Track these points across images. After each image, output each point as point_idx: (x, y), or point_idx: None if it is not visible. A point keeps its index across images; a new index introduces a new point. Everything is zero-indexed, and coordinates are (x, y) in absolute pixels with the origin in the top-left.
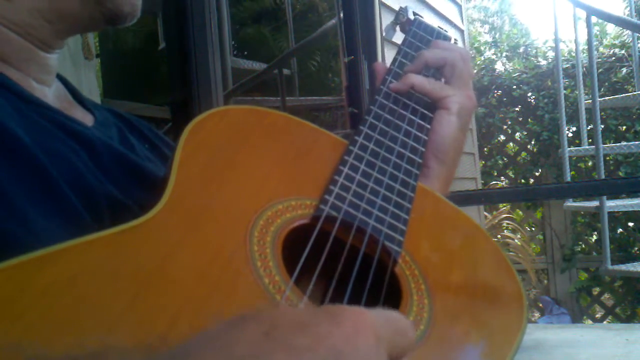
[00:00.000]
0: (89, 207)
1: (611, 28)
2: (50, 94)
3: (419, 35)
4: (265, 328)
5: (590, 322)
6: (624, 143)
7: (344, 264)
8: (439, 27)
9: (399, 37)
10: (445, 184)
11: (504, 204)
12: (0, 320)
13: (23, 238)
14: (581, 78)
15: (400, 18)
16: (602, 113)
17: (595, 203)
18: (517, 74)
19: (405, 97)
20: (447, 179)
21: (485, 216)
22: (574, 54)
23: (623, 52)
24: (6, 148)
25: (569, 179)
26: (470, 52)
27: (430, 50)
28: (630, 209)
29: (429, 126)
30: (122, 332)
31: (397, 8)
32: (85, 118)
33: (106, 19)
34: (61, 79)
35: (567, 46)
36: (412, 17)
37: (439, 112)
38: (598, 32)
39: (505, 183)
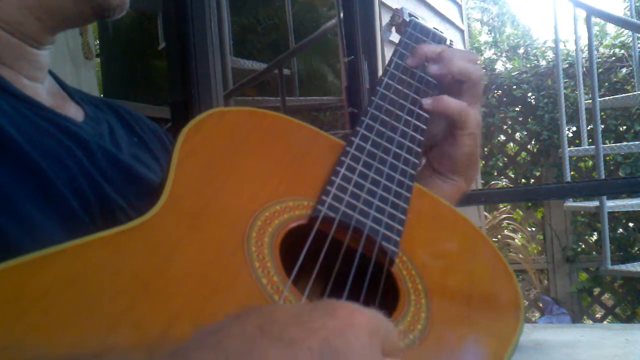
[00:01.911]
0: (84, 207)
1: (611, 28)
2: (42, 90)
3: (414, 36)
4: (261, 323)
5: (590, 322)
6: (624, 143)
7: (342, 264)
8: (434, 28)
9: (395, 38)
10: (463, 192)
11: (504, 204)
12: (1, 321)
13: (20, 238)
14: (581, 78)
15: (396, 19)
16: (602, 113)
17: (595, 203)
18: (517, 74)
19: (401, 99)
20: (467, 188)
21: (485, 216)
22: (574, 54)
23: (623, 52)
24: (2, 148)
25: (569, 179)
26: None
27: (457, 61)
28: (630, 209)
29: (424, 127)
30: (123, 332)
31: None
32: (77, 114)
33: (95, 13)
34: (51, 74)
35: (567, 46)
36: (407, 18)
37: (458, 131)
38: (598, 32)
39: (505, 183)
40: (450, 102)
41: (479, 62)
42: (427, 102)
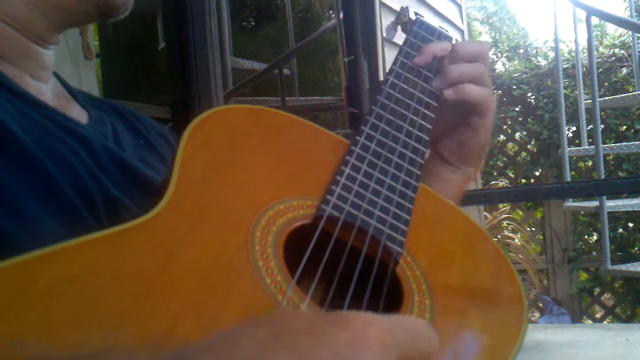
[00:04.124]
0: (88, 205)
1: (611, 28)
2: (47, 90)
3: (420, 35)
4: (273, 331)
5: (590, 322)
6: (624, 143)
7: (346, 264)
8: (440, 27)
9: (399, 38)
10: (470, 180)
11: (504, 204)
12: (1, 319)
13: (23, 236)
14: (581, 78)
15: (402, 18)
16: (602, 113)
17: (595, 203)
18: (517, 74)
19: (407, 98)
20: (474, 175)
21: (485, 216)
22: (574, 54)
23: (623, 52)
24: (5, 146)
25: (569, 179)
26: None
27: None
28: (630, 209)
29: (430, 126)
30: (126, 332)
31: (397, 8)
32: (81, 116)
33: (100, 12)
34: (55, 75)
35: (567, 46)
36: (413, 17)
37: (477, 120)
38: (598, 32)
39: (505, 183)
40: (472, 89)
41: (487, 51)
42: (448, 92)
